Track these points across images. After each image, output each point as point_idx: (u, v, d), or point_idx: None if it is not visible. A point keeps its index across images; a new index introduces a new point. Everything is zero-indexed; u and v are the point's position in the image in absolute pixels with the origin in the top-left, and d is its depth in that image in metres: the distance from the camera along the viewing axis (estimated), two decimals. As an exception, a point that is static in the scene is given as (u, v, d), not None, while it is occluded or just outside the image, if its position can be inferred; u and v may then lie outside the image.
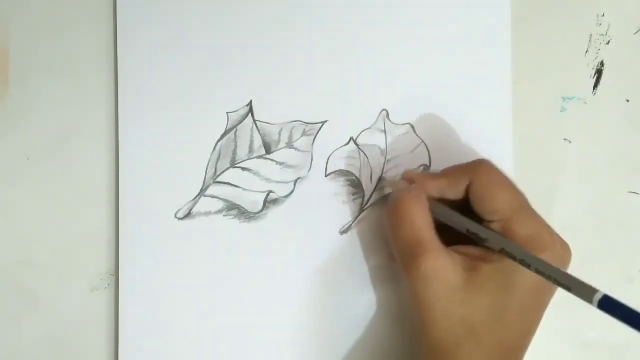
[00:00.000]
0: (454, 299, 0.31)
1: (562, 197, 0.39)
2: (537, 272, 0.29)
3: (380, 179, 0.37)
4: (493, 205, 0.32)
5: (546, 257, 0.30)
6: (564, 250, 0.32)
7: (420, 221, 0.32)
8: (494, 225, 0.32)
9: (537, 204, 0.39)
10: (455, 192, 0.33)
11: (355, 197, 0.38)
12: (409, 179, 0.34)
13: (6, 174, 0.37)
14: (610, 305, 0.27)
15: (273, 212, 0.37)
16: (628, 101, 0.39)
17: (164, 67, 0.37)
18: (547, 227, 0.32)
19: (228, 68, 0.37)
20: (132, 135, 0.37)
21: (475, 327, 0.31)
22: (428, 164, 0.38)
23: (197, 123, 0.37)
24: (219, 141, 0.37)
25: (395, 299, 0.38)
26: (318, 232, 0.37)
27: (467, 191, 0.33)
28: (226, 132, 0.37)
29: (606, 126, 0.39)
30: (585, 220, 0.39)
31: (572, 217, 0.39)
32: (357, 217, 0.38)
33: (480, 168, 0.33)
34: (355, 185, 0.38)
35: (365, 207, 0.38)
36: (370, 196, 0.38)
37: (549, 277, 0.29)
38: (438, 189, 0.33)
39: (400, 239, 0.32)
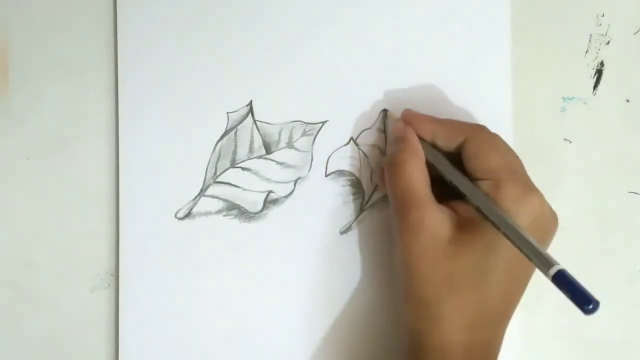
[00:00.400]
0: (441, 253, 0.31)
1: (562, 197, 0.39)
2: (505, 235, 0.30)
3: (383, 111, 0.37)
4: (486, 162, 0.32)
5: (531, 222, 0.31)
6: (551, 219, 0.32)
7: (415, 176, 0.33)
8: (483, 184, 0.32)
9: (537, 204, 0.39)
10: (446, 142, 0.34)
11: (355, 197, 0.38)
12: (407, 119, 0.35)
13: (6, 174, 0.37)
14: (563, 281, 0.27)
15: (273, 212, 0.37)
16: (628, 101, 0.39)
17: (164, 67, 0.37)
18: (537, 194, 0.32)
19: (228, 68, 0.37)
20: (132, 135, 0.37)
21: (459, 284, 0.31)
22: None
23: (197, 123, 0.37)
24: (219, 141, 0.37)
25: (395, 298, 0.37)
26: (318, 232, 0.37)
27: (460, 147, 0.33)
28: (226, 132, 0.37)
29: (606, 126, 0.39)
30: (585, 220, 0.39)
31: (572, 217, 0.39)
32: (357, 217, 0.38)
33: (479, 128, 0.34)
34: (355, 185, 0.38)
35: (365, 207, 0.38)
36: (370, 196, 0.38)
37: (513, 243, 0.29)
38: (430, 132, 0.34)
39: (395, 190, 0.33)
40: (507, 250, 0.31)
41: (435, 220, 0.31)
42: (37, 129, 0.37)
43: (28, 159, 0.37)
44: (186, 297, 0.37)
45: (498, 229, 0.30)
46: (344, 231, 0.38)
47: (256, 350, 0.37)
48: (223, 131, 0.37)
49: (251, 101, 0.37)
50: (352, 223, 0.38)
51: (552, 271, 0.28)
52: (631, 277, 0.39)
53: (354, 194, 0.38)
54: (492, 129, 0.38)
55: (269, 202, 0.37)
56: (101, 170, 0.37)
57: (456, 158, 0.34)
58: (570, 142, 0.39)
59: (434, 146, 0.34)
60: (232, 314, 0.37)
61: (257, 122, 0.38)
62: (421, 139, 0.34)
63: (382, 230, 0.38)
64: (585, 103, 0.39)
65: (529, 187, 0.32)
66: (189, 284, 0.37)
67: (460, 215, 0.32)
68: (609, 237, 0.39)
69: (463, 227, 0.32)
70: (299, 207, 0.37)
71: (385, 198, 0.38)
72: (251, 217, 0.37)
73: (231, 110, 0.37)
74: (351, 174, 0.38)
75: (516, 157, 0.33)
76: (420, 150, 0.34)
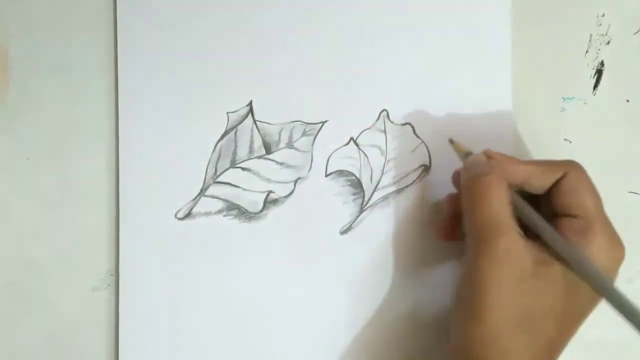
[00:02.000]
0: (522, 286, 0.30)
1: (562, 197, 0.39)
2: (589, 279, 0.30)
3: (450, 141, 0.36)
4: (581, 200, 0.32)
5: (615, 266, 0.32)
6: (621, 261, 0.33)
7: (501, 203, 0.31)
8: (574, 221, 0.32)
9: (537, 204, 0.38)
10: (541, 182, 0.33)
11: (355, 197, 0.38)
12: (490, 156, 0.33)
13: (6, 174, 0.37)
14: None
15: (273, 212, 0.37)
16: (628, 101, 0.39)
17: (164, 67, 0.37)
18: (621, 244, 0.32)
19: (228, 68, 0.37)
20: (132, 135, 0.37)
21: (535, 321, 0.30)
22: (428, 164, 0.38)
23: (197, 123, 0.37)
24: (219, 141, 0.37)
25: (395, 298, 0.38)
26: (318, 232, 0.37)
27: (553, 185, 0.33)
28: (226, 132, 0.37)
29: (606, 126, 0.39)
30: (585, 220, 0.39)
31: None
32: (357, 217, 0.38)
33: (577, 165, 0.33)
34: (355, 185, 0.38)
35: (365, 207, 0.38)
36: (370, 196, 0.38)
37: (598, 288, 0.30)
38: (523, 174, 0.33)
39: (478, 217, 0.31)
40: (585, 292, 0.31)
41: (521, 252, 0.30)
42: (37, 128, 0.37)
43: (28, 159, 0.37)
44: (186, 297, 0.37)
45: (582, 277, 0.30)
46: (344, 231, 0.38)
47: (256, 350, 0.37)
48: (223, 131, 0.37)
49: (251, 101, 0.37)
50: (352, 223, 0.38)
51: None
52: (631, 277, 0.39)
53: (354, 194, 0.38)
54: (492, 129, 0.38)
55: (269, 202, 0.37)
56: (101, 170, 0.37)
57: (533, 197, 0.33)
58: (570, 142, 0.39)
59: (520, 190, 0.33)
60: (232, 313, 0.37)
61: (257, 122, 0.38)
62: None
63: (382, 230, 0.38)
64: (585, 103, 0.39)
65: (616, 234, 0.32)
66: (189, 284, 0.37)
67: (541, 250, 0.31)
68: (609, 237, 0.39)
69: (545, 263, 0.31)
70: (299, 207, 0.37)
71: (385, 198, 0.38)
72: (251, 217, 0.37)
73: (231, 110, 0.37)
74: (351, 174, 0.38)
75: (602, 200, 0.33)
76: (504, 177, 0.32)
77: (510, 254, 0.30)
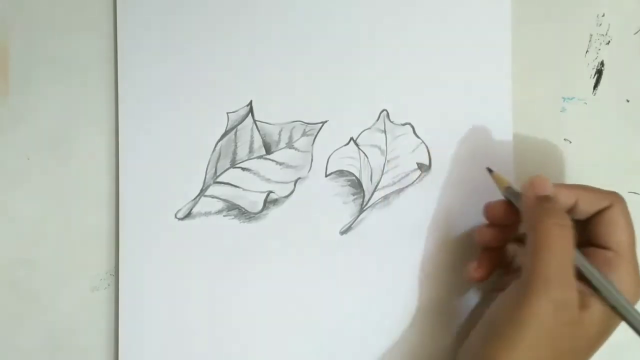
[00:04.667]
0: (563, 331, 0.31)
1: (562, 197, 0.39)
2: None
3: (488, 170, 0.36)
4: (623, 235, 0.33)
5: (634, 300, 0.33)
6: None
7: (570, 256, 0.32)
8: (610, 255, 0.33)
9: (537, 204, 0.38)
10: (588, 207, 0.34)
11: (355, 197, 0.38)
12: (540, 187, 0.33)
13: (6, 174, 0.37)
14: None
15: (273, 212, 0.37)
16: (628, 101, 0.39)
17: (164, 67, 0.37)
18: None
19: (228, 68, 0.37)
20: (132, 135, 0.37)
21: (560, 357, 0.32)
22: (428, 164, 0.38)
23: (197, 123, 0.37)
24: (219, 141, 0.37)
25: (395, 298, 0.38)
26: (318, 232, 0.37)
27: (598, 213, 0.34)
28: (226, 132, 0.37)
29: (606, 126, 0.39)
30: (585, 220, 0.39)
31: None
32: (357, 217, 0.38)
33: (622, 199, 0.34)
34: (355, 185, 0.38)
35: (365, 207, 0.38)
36: (371, 196, 0.38)
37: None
38: (574, 196, 0.34)
39: (547, 262, 0.31)
40: (610, 332, 0.33)
41: (574, 303, 0.31)
42: (37, 129, 0.37)
43: (28, 159, 0.37)
44: (186, 297, 0.37)
45: (629, 324, 0.32)
46: (344, 231, 0.38)
47: (256, 350, 0.37)
48: (223, 131, 0.37)
49: (251, 101, 0.37)
50: (352, 223, 0.38)
51: None
52: (631, 277, 0.39)
53: (354, 194, 0.38)
54: (492, 129, 0.38)
55: (269, 202, 0.37)
56: (101, 170, 0.37)
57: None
58: (570, 142, 0.39)
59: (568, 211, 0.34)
60: (231, 313, 0.37)
61: (257, 122, 0.38)
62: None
63: (382, 230, 0.38)
64: (585, 103, 0.39)
65: (637, 273, 0.33)
66: (188, 284, 0.37)
67: (584, 293, 0.32)
68: (609, 237, 0.39)
69: (586, 307, 0.32)
70: (299, 207, 0.37)
71: (385, 198, 0.38)
72: (251, 217, 0.37)
73: (231, 110, 0.37)
74: (351, 174, 0.38)
75: (635, 239, 0.34)
76: (572, 227, 0.33)
77: (567, 306, 0.31)
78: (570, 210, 0.34)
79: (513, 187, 0.35)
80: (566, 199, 0.34)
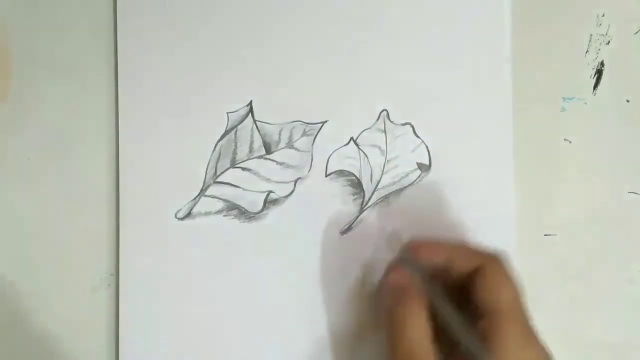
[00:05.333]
0: None
1: (562, 197, 0.39)
2: None
3: (390, 235, 0.36)
4: (496, 295, 0.31)
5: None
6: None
7: (417, 335, 0.31)
8: (487, 317, 0.31)
9: (537, 204, 0.39)
10: (463, 264, 0.32)
11: (355, 197, 0.38)
12: (416, 247, 0.33)
13: (6, 174, 0.37)
14: None
15: (273, 212, 0.37)
16: (628, 101, 0.39)
17: (164, 67, 0.37)
18: (537, 346, 0.31)
19: (228, 68, 0.37)
20: (132, 135, 0.37)
21: None
22: (428, 164, 0.38)
23: (197, 123, 0.37)
24: (219, 141, 0.37)
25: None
26: (318, 232, 0.37)
27: (473, 272, 0.32)
28: (226, 132, 0.37)
29: (606, 126, 0.39)
30: (586, 220, 0.39)
31: (572, 217, 0.39)
32: (357, 217, 0.38)
33: (495, 257, 0.32)
34: (355, 185, 0.38)
35: (365, 207, 0.38)
36: (370, 196, 0.38)
37: None
38: (446, 256, 0.32)
39: (394, 349, 0.31)
40: None
41: None
42: (37, 129, 0.37)
43: (28, 159, 0.37)
44: (186, 297, 0.37)
45: None
46: (344, 231, 0.38)
47: (256, 350, 0.37)
48: (223, 131, 0.37)
49: (251, 101, 0.37)
50: (352, 223, 0.38)
51: None
52: (631, 278, 0.39)
53: (354, 194, 0.38)
54: (492, 129, 0.38)
55: (269, 202, 0.37)
56: (101, 170, 0.37)
57: (463, 285, 0.32)
58: (570, 142, 0.39)
59: (444, 271, 0.33)
60: (232, 314, 0.37)
61: (257, 122, 0.38)
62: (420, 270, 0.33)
63: (382, 231, 0.38)
64: (585, 103, 0.39)
65: (531, 336, 0.31)
66: (188, 284, 0.37)
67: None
68: (609, 237, 0.39)
69: None
70: (299, 207, 0.37)
71: (385, 198, 0.38)
72: (251, 217, 0.37)
73: (231, 110, 0.37)
74: (351, 174, 0.38)
75: (523, 294, 0.32)
76: (421, 300, 0.32)
77: None
78: (446, 270, 0.33)
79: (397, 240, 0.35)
80: (438, 256, 0.32)
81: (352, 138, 0.38)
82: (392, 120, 0.38)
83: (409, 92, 0.38)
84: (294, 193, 0.37)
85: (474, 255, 0.32)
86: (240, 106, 0.38)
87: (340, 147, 0.38)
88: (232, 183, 0.37)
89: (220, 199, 0.37)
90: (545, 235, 0.39)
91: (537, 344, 0.31)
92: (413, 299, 0.32)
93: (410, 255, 0.33)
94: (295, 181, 0.38)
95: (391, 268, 0.34)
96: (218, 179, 0.37)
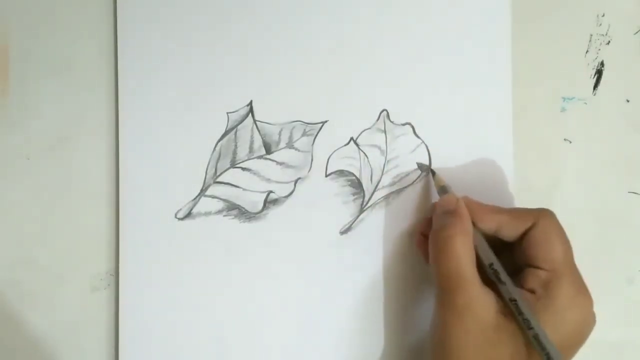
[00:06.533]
0: (485, 339, 0.31)
1: (562, 197, 0.39)
2: (535, 338, 0.30)
3: (432, 172, 0.37)
4: (550, 253, 0.32)
5: (578, 323, 0.32)
6: (594, 318, 0.33)
7: (465, 254, 0.32)
8: (542, 273, 0.32)
9: (537, 204, 0.39)
10: (513, 230, 0.33)
11: (355, 197, 0.38)
12: (468, 206, 0.34)
13: (6, 174, 0.37)
14: None
15: (273, 212, 0.37)
16: (628, 101, 0.39)
17: (164, 67, 0.37)
18: (589, 296, 0.33)
19: (228, 68, 0.37)
20: (132, 135, 0.37)
21: None
22: (428, 164, 0.38)
23: (197, 123, 0.37)
24: (219, 141, 0.37)
25: (395, 298, 0.38)
26: (318, 232, 0.37)
27: (524, 234, 0.33)
28: (226, 132, 0.37)
29: (606, 126, 0.39)
30: (585, 220, 0.39)
31: (572, 217, 0.39)
32: (357, 217, 0.38)
33: (546, 214, 0.33)
34: (355, 185, 0.38)
35: (365, 207, 0.38)
36: (371, 196, 0.38)
37: (542, 349, 0.30)
38: (497, 223, 0.33)
39: (443, 266, 0.32)
40: None
41: (482, 305, 0.31)
42: (37, 129, 0.37)
43: (28, 159, 0.37)
44: (186, 297, 0.37)
45: (529, 329, 0.31)
46: (344, 231, 0.38)
47: (256, 350, 0.37)
48: (223, 131, 0.37)
49: (251, 101, 0.37)
50: (352, 223, 0.38)
51: None
52: (631, 277, 0.39)
53: (354, 194, 0.38)
54: (492, 129, 0.38)
55: (269, 202, 0.37)
56: (101, 170, 0.37)
57: (507, 245, 0.34)
58: (570, 142, 0.39)
59: (494, 236, 0.34)
60: (232, 313, 0.37)
61: (257, 122, 0.38)
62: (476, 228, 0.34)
63: (382, 230, 0.38)
64: (585, 103, 0.39)
65: (584, 288, 0.33)
66: (189, 284, 0.37)
67: (504, 300, 0.32)
68: (609, 237, 0.39)
69: (506, 313, 0.32)
70: (299, 207, 0.37)
71: (385, 198, 0.38)
72: (251, 217, 0.37)
73: (231, 110, 0.37)
74: (351, 174, 0.38)
75: (571, 247, 0.33)
76: (471, 227, 0.33)
77: (470, 308, 0.31)
78: (497, 234, 0.34)
79: (447, 187, 0.36)
80: (487, 224, 0.33)
81: (352, 138, 0.38)
82: (392, 120, 0.38)
83: (409, 92, 0.38)
84: (294, 193, 0.37)
85: (523, 217, 0.33)
86: (240, 106, 0.37)
87: (340, 147, 0.38)
88: (232, 183, 0.37)
89: (220, 199, 0.37)
90: (545, 235, 0.39)
91: (586, 292, 0.33)
92: (463, 219, 0.33)
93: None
94: (295, 181, 0.38)
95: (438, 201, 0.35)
96: (218, 179, 0.37)
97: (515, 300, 0.31)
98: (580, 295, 0.32)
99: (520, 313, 0.31)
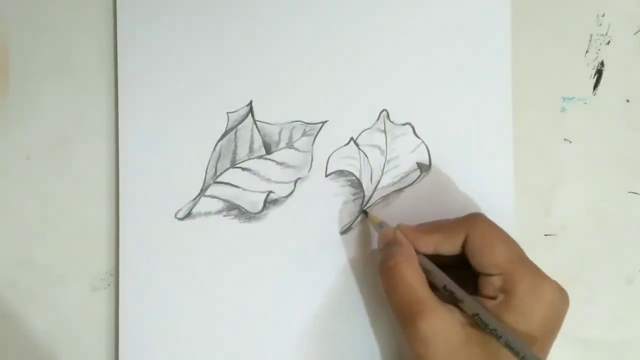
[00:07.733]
0: (457, 356, 0.30)
1: (562, 197, 0.39)
2: (507, 345, 0.30)
3: (364, 212, 0.37)
4: (492, 258, 0.32)
5: (547, 310, 0.31)
6: (563, 298, 0.32)
7: (414, 280, 0.31)
8: (495, 279, 0.32)
9: (537, 204, 0.39)
10: (450, 247, 0.33)
11: (355, 197, 0.38)
12: (403, 230, 0.34)
13: (6, 174, 0.37)
14: None
15: (273, 212, 0.37)
16: (628, 101, 0.39)
17: (164, 67, 0.37)
18: (546, 277, 0.32)
19: (228, 68, 0.37)
20: (132, 135, 0.37)
21: None
22: (428, 164, 0.38)
23: (197, 123, 0.37)
24: (219, 141, 0.37)
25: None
26: (318, 232, 0.37)
27: (464, 245, 0.32)
28: (226, 132, 0.37)
29: (606, 126, 0.39)
30: (585, 220, 0.39)
31: (572, 217, 0.39)
32: (357, 217, 0.38)
33: (476, 221, 0.33)
34: (355, 185, 0.38)
35: (365, 207, 0.38)
36: (370, 196, 0.38)
37: (516, 354, 0.29)
38: (433, 244, 0.33)
39: (395, 299, 0.32)
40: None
41: (447, 324, 0.30)
42: (37, 129, 0.37)
43: (28, 159, 0.37)
44: (186, 297, 0.37)
45: (498, 338, 0.30)
46: (344, 231, 0.38)
47: (256, 350, 0.37)
48: (223, 131, 0.37)
49: (251, 101, 0.37)
50: (352, 223, 0.38)
51: None
52: (631, 277, 0.39)
53: (354, 194, 0.38)
54: (492, 129, 0.38)
55: (269, 202, 0.37)
56: (101, 170, 0.37)
57: (460, 258, 0.33)
58: (570, 142, 0.39)
59: (436, 256, 0.33)
60: (232, 314, 0.37)
61: (257, 122, 0.38)
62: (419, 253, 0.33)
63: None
64: (585, 103, 0.39)
65: (539, 274, 0.31)
66: (189, 284, 0.37)
67: (466, 313, 0.31)
68: (609, 237, 0.39)
69: (473, 324, 0.31)
70: (299, 207, 0.37)
71: (385, 198, 0.38)
72: (251, 217, 0.37)
73: (231, 110, 0.37)
74: (351, 174, 0.38)
75: (516, 243, 0.33)
76: (413, 252, 0.33)
77: (436, 330, 0.30)
78: (438, 253, 0.33)
79: (383, 222, 0.35)
80: (424, 247, 0.33)
81: (352, 138, 0.38)
82: (392, 120, 0.38)
83: (409, 92, 0.38)
84: (294, 193, 0.37)
85: (455, 231, 0.33)
86: (240, 106, 0.37)
87: (340, 147, 0.38)
88: (232, 183, 0.37)
89: (220, 199, 0.37)
90: (545, 235, 0.39)
91: (544, 279, 0.31)
92: (403, 245, 0.33)
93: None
94: (295, 181, 0.38)
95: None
96: (218, 179, 0.37)
97: (477, 314, 0.31)
98: (540, 285, 0.31)
99: (486, 325, 0.30)
